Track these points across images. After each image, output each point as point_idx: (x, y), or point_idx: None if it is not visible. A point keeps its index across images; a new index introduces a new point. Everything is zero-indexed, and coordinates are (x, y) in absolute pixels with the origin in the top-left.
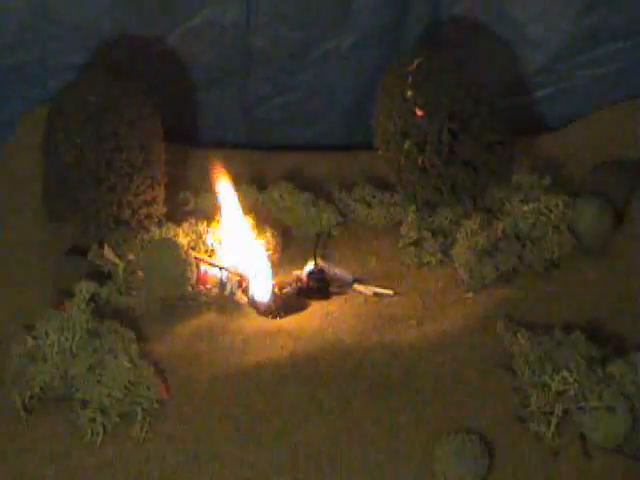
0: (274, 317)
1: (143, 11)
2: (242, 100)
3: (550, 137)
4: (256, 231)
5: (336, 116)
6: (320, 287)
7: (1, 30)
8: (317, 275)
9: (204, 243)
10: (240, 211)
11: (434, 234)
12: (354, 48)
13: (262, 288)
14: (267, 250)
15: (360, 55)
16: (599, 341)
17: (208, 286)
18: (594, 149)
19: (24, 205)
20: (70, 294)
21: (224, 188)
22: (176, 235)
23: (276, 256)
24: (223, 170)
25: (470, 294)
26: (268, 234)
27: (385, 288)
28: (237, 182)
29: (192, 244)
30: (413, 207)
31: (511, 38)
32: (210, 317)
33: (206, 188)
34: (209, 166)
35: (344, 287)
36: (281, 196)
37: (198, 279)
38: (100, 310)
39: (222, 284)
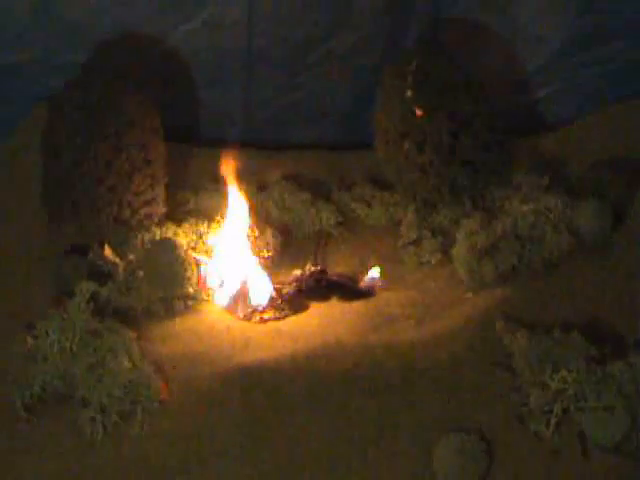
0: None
1: (144, 11)
2: (243, 100)
3: (550, 137)
4: (256, 231)
5: (336, 116)
6: (320, 288)
7: (1, 29)
8: (317, 276)
9: (204, 243)
10: (244, 211)
11: (434, 234)
12: (355, 49)
13: (260, 291)
14: (267, 250)
15: (361, 56)
16: (598, 341)
17: (208, 287)
18: (594, 149)
19: (24, 205)
20: (70, 294)
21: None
22: (176, 235)
23: (276, 256)
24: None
25: (470, 293)
26: (268, 234)
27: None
28: (237, 182)
29: (192, 244)
30: (413, 207)
31: (511, 38)
32: (210, 317)
33: (206, 187)
34: (210, 166)
35: (372, 287)
36: (281, 196)
37: (198, 280)
38: (100, 310)
39: (222, 285)
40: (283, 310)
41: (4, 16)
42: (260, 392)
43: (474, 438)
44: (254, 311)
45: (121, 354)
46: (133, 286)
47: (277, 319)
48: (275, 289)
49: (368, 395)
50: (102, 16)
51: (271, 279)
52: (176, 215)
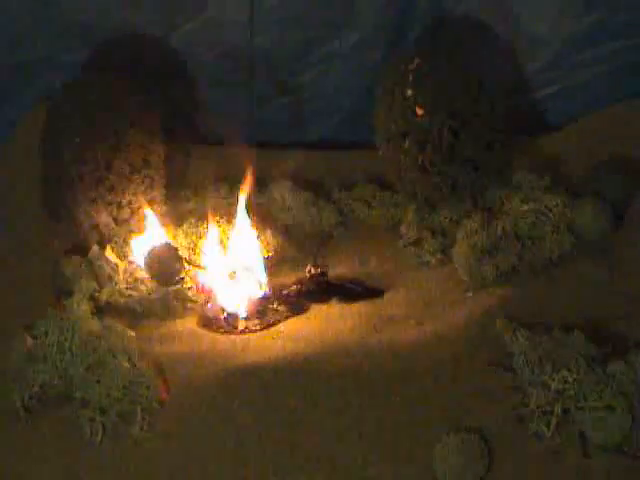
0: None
1: (145, 11)
2: (244, 100)
3: (550, 137)
4: (256, 231)
5: (339, 116)
6: (320, 289)
7: (2, 29)
8: (317, 278)
9: (204, 244)
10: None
11: (434, 234)
12: (357, 48)
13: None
14: (267, 250)
15: (362, 55)
16: (599, 340)
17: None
18: (594, 149)
19: (24, 205)
20: (70, 294)
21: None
22: (176, 235)
23: (276, 256)
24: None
25: (470, 293)
26: (268, 234)
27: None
28: (237, 182)
29: (191, 245)
30: (413, 206)
31: (512, 38)
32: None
33: (207, 187)
34: (210, 165)
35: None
36: (281, 196)
37: (196, 284)
38: (100, 310)
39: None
40: (271, 315)
41: (4, 16)
42: (260, 393)
43: (474, 438)
44: (235, 322)
45: (121, 354)
46: (133, 286)
47: (268, 326)
48: (273, 291)
49: (368, 395)
50: (103, 16)
51: (268, 280)
52: (176, 215)
